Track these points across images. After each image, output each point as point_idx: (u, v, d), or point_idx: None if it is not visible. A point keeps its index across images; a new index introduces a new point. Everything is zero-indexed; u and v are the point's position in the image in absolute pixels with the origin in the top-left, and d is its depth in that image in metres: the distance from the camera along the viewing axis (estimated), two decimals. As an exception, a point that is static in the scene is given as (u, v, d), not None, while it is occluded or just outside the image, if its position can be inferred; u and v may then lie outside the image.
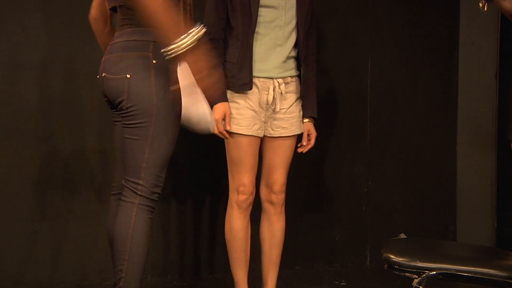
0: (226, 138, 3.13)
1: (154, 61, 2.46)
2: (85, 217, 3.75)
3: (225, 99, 3.09)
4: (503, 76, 4.64)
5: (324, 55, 4.19)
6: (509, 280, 2.22)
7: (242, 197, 3.15)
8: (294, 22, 3.15)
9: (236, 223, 3.17)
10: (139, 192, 2.50)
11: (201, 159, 3.98)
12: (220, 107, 3.08)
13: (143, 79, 2.45)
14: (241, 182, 3.13)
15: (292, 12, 3.13)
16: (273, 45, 3.12)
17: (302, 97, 3.24)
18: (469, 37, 4.48)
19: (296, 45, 3.18)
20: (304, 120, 3.27)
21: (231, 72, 3.09)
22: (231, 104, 3.10)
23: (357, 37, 4.30)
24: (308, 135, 3.30)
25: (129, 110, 2.48)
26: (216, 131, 3.09)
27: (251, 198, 3.17)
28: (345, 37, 4.27)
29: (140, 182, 2.49)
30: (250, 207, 3.20)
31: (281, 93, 3.15)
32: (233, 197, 3.17)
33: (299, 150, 3.30)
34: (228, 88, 3.11)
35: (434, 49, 4.45)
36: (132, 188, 2.50)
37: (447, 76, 4.49)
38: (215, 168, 3.98)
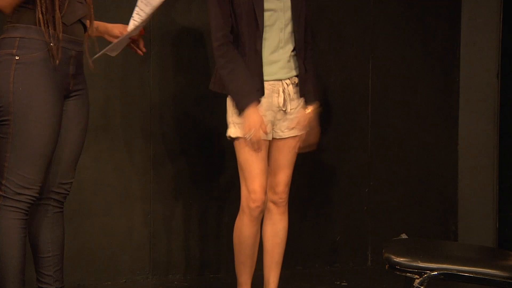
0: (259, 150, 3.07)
1: (17, 57, 2.39)
2: (86, 216, 3.75)
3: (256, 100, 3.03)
4: (505, 76, 4.63)
5: (325, 55, 4.18)
6: (511, 281, 2.22)
7: (253, 205, 3.11)
8: (291, 23, 3.14)
9: (246, 230, 3.14)
10: (2, 193, 2.42)
11: (204, 159, 3.97)
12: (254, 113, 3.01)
13: (4, 77, 2.38)
14: (251, 188, 3.10)
15: (289, 13, 3.13)
16: (276, 47, 3.11)
17: (302, 86, 3.18)
18: (470, 37, 4.47)
19: (296, 45, 3.17)
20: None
21: None
22: None
23: (358, 37, 4.29)
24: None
25: None
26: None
27: (262, 206, 3.13)
28: (346, 37, 4.27)
29: (3, 182, 2.41)
30: (261, 215, 3.17)
31: (290, 94, 3.14)
32: (244, 203, 3.14)
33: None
34: None
35: (436, 49, 4.45)
36: None
37: (449, 76, 4.48)
38: (220, 168, 3.98)
